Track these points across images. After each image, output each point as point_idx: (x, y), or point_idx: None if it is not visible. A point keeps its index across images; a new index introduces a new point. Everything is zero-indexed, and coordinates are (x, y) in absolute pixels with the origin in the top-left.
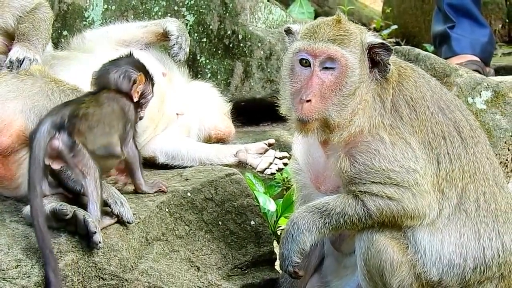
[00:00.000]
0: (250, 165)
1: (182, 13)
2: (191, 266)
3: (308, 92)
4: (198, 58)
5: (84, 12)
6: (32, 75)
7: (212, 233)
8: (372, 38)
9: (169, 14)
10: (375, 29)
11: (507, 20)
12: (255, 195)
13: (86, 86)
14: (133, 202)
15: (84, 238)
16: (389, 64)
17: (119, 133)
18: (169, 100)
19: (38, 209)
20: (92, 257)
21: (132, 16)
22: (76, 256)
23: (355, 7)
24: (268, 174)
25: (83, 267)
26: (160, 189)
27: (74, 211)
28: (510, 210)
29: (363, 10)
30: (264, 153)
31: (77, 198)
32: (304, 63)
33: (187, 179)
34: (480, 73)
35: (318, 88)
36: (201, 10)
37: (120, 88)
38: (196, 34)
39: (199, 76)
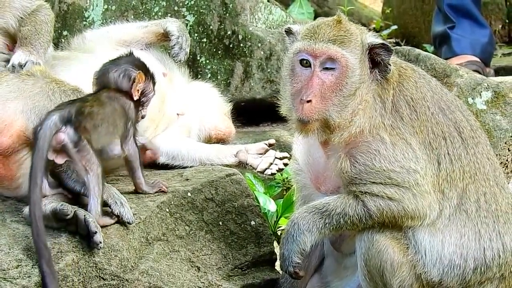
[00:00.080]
0: (251, 166)
1: (182, 13)
2: (192, 266)
3: (308, 93)
4: (198, 58)
5: (84, 12)
6: (33, 76)
7: (213, 233)
8: (372, 38)
9: (169, 14)
10: (375, 30)
11: (507, 21)
12: (256, 195)
13: (86, 86)
14: (133, 202)
15: (84, 238)
16: (390, 65)
17: (121, 131)
18: (169, 100)
19: (36, 201)
20: (92, 257)
21: (132, 16)
22: (77, 256)
23: (355, 7)
24: (269, 174)
25: (83, 267)
26: (160, 189)
27: (75, 211)
28: (511, 211)
29: (363, 11)
30: (265, 153)
31: (77, 198)
32: (305, 63)
33: (187, 179)
34: (480, 73)
35: (318, 89)
36: (201, 11)
37: (120, 87)
38: (196, 34)
39: (199, 76)
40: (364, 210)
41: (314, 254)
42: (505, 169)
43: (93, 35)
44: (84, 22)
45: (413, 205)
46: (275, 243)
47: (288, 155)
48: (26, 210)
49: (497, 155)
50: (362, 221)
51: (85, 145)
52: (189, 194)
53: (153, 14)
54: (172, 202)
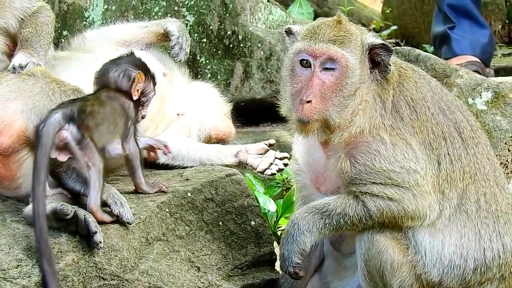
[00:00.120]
0: (251, 166)
1: (182, 13)
2: (192, 267)
3: (308, 93)
4: (198, 58)
5: (84, 12)
6: (34, 76)
7: (213, 233)
8: (372, 38)
9: (169, 15)
10: (374, 30)
11: (507, 21)
12: (256, 196)
13: (87, 86)
14: (133, 203)
15: (84, 238)
16: (390, 65)
17: (122, 130)
18: (169, 101)
19: (40, 199)
20: (92, 257)
21: (132, 16)
22: (77, 256)
23: (354, 7)
24: (269, 175)
25: (83, 267)
26: (160, 189)
27: (75, 211)
28: (511, 211)
29: (362, 11)
30: (265, 153)
31: (77, 198)
32: (305, 63)
33: (187, 179)
34: (480, 74)
35: (318, 89)
36: (201, 11)
37: (120, 86)
38: (196, 35)
39: (199, 76)
40: (364, 211)
41: (314, 254)
42: (505, 169)
43: (93, 35)
44: (84, 22)
45: (413, 205)
46: (275, 243)
47: (288, 155)
48: (26, 210)
49: (497, 155)
50: (362, 221)
51: (88, 143)
52: (189, 194)
53: (153, 14)
54: (172, 202)
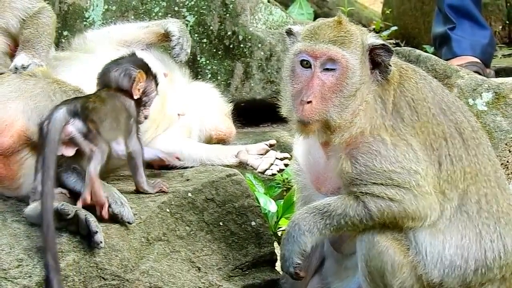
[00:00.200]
0: (251, 166)
1: (183, 13)
2: (192, 267)
3: (308, 93)
4: (198, 58)
5: (84, 12)
6: (35, 76)
7: (213, 233)
8: (373, 39)
9: (169, 15)
10: (374, 31)
11: (507, 22)
12: (256, 196)
13: (87, 86)
14: (134, 203)
15: (85, 238)
16: (390, 66)
17: (124, 127)
18: (170, 101)
19: (48, 194)
20: (93, 257)
21: (132, 17)
22: (78, 256)
23: (354, 8)
24: (269, 175)
25: (84, 267)
26: (161, 190)
27: (76, 211)
28: None
29: (362, 11)
30: (265, 154)
31: (77, 198)
32: (305, 64)
33: (188, 180)
34: (480, 74)
35: (318, 90)
36: (201, 11)
37: (121, 85)
38: (196, 35)
39: (199, 76)
40: (364, 211)
41: (315, 255)
42: (505, 170)
43: (94, 35)
44: (85, 23)
45: (414, 206)
46: (276, 244)
47: (289, 156)
48: (27, 210)
49: (497, 156)
50: (363, 222)
51: (94, 134)
52: (189, 194)
53: (154, 14)
54: (173, 203)
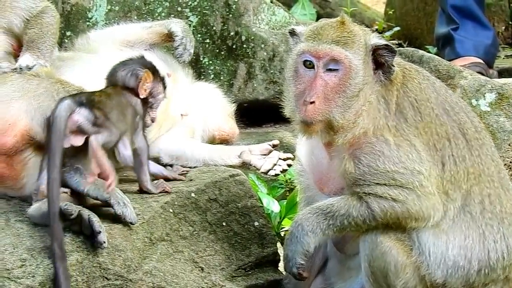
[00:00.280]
0: (254, 166)
1: (185, 14)
2: (195, 267)
3: (311, 94)
4: (201, 59)
5: (87, 12)
6: (38, 76)
7: (216, 234)
8: (376, 39)
9: (172, 15)
10: (377, 31)
11: (510, 22)
12: (259, 196)
13: (90, 86)
14: (137, 203)
15: (88, 238)
16: (393, 66)
17: (130, 123)
18: (173, 101)
19: (54, 181)
20: (96, 257)
21: (135, 17)
22: (81, 256)
23: (357, 8)
24: (272, 175)
25: (87, 267)
26: (164, 190)
27: (79, 210)
28: None
29: (365, 12)
30: (268, 154)
31: (80, 198)
32: (308, 64)
33: (191, 180)
34: (483, 75)
35: (321, 90)
36: (204, 11)
37: (127, 84)
38: (199, 35)
39: (202, 77)
40: (368, 212)
41: (318, 255)
42: (509, 170)
43: (97, 36)
44: (88, 23)
45: (417, 206)
46: (279, 244)
47: (292, 156)
48: (30, 210)
49: (501, 156)
50: (366, 222)
51: (103, 121)
52: (192, 194)
53: (156, 15)
54: (176, 203)
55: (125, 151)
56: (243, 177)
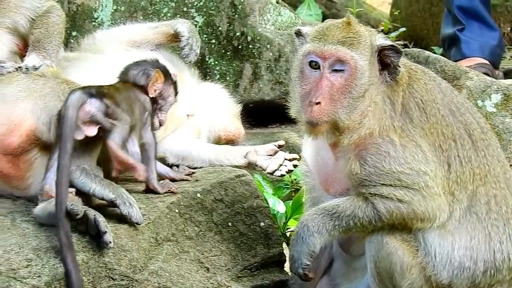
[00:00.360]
0: (260, 167)
1: (191, 14)
2: (201, 267)
3: (317, 95)
4: (207, 59)
5: (93, 13)
6: (44, 76)
7: (222, 234)
8: (382, 40)
9: (178, 15)
10: (383, 32)
11: None
12: (265, 197)
13: None
14: (143, 203)
15: (94, 238)
16: (399, 67)
17: (138, 117)
18: (179, 101)
19: (64, 167)
20: (102, 257)
21: (141, 17)
22: (87, 256)
23: (363, 9)
24: (278, 176)
25: (93, 267)
26: (170, 190)
27: (85, 211)
28: None
29: (371, 13)
30: (274, 154)
31: (86, 198)
32: (314, 65)
33: (197, 180)
34: (489, 76)
35: (327, 91)
36: (210, 12)
37: (138, 82)
38: (205, 36)
39: (207, 77)
40: (373, 212)
41: (324, 256)
42: None
43: (103, 36)
44: (93, 23)
45: (423, 207)
46: (284, 245)
47: (298, 157)
48: (36, 210)
49: (506, 157)
50: (372, 223)
51: (114, 109)
52: (198, 195)
53: (162, 15)
54: (182, 203)
55: (133, 147)
56: (249, 177)
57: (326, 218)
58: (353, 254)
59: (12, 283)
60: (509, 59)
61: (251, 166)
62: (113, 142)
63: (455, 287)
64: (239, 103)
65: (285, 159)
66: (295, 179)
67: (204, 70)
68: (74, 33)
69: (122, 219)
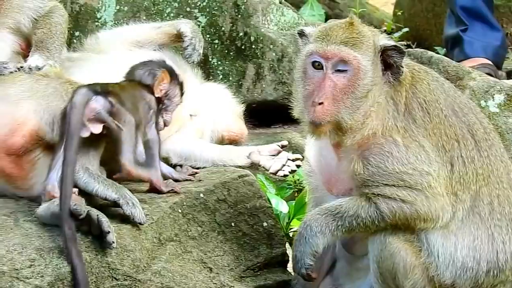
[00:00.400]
0: (263, 167)
1: (194, 14)
2: (204, 267)
3: (320, 95)
4: (210, 59)
5: (96, 13)
6: (47, 76)
7: (225, 234)
8: (385, 40)
9: (181, 16)
10: (386, 32)
11: None
12: (268, 197)
13: None
14: (146, 203)
15: (97, 238)
16: (402, 67)
17: (143, 115)
18: (182, 101)
19: (70, 162)
20: (105, 257)
21: (144, 17)
22: (90, 256)
23: (366, 9)
24: (281, 176)
25: (96, 267)
26: (173, 190)
27: (88, 211)
28: None
29: (374, 13)
30: (277, 155)
31: (89, 198)
32: (317, 65)
33: (200, 180)
34: (492, 76)
35: (330, 91)
36: (213, 12)
37: (144, 81)
38: (208, 36)
39: (210, 77)
40: (376, 212)
41: (327, 256)
42: None
43: (106, 36)
44: (96, 23)
45: (426, 207)
46: (287, 245)
47: (301, 157)
48: (39, 210)
49: (510, 157)
50: (375, 223)
51: (118, 108)
52: (201, 195)
53: (165, 15)
54: (185, 203)
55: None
56: (252, 177)
57: (329, 219)
58: (356, 254)
59: (15, 283)
60: None
61: (254, 166)
62: (127, 160)
63: (458, 287)
64: (242, 103)
65: (288, 159)
66: (298, 179)
67: (207, 70)
68: (77, 33)
69: (125, 219)
